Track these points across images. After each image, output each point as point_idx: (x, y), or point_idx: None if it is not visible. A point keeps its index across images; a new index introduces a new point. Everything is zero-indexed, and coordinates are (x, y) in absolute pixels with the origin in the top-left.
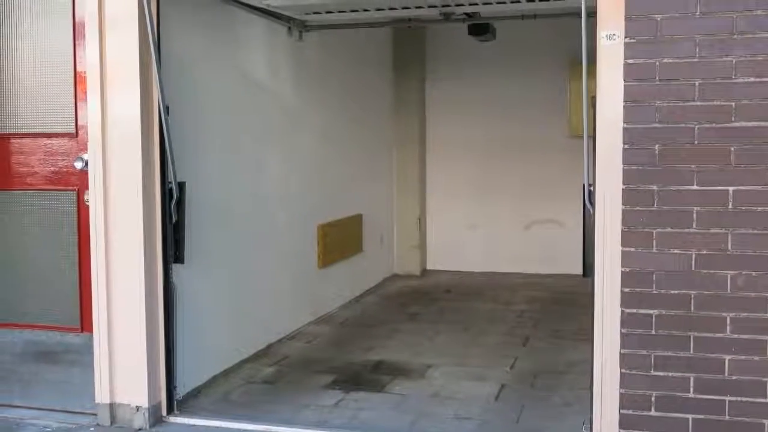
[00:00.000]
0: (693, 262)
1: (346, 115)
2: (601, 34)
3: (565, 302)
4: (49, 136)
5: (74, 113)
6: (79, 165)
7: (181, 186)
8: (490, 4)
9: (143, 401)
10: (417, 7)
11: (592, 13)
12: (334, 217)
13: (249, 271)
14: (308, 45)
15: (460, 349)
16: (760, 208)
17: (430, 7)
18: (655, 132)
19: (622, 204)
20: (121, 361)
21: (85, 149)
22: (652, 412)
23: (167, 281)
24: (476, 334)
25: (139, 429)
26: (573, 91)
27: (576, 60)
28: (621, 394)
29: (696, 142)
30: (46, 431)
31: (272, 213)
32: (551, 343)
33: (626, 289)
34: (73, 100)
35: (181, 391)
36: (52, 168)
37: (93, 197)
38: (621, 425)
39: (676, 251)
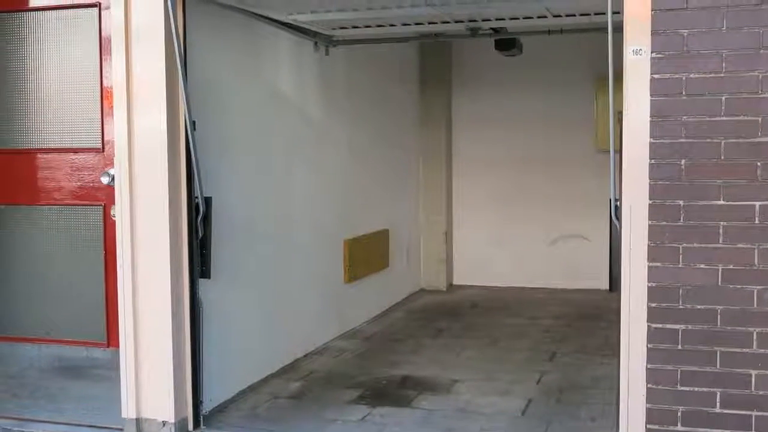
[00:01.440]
0: (719, 277)
1: (373, 130)
2: (628, 49)
3: (592, 317)
4: (75, 151)
5: (101, 128)
6: (105, 180)
7: (208, 201)
8: (517, 19)
9: (169, 416)
10: (444, 22)
11: (618, 28)
12: (361, 232)
13: (275, 286)
14: (335, 60)
15: (486, 364)
16: None
17: (456, 22)
18: (681, 147)
19: (649, 219)
20: (148, 376)
21: (111, 164)
22: (679, 427)
23: (194, 296)
24: (503, 349)
25: None
26: (599, 106)
27: (603, 75)
28: (647, 409)
29: (722, 157)
30: None
31: (299, 228)
32: (578, 358)
33: (652, 304)
34: (100, 116)
35: (207, 406)
36: (78, 183)
37: (119, 212)
38: None
39: (702, 266)
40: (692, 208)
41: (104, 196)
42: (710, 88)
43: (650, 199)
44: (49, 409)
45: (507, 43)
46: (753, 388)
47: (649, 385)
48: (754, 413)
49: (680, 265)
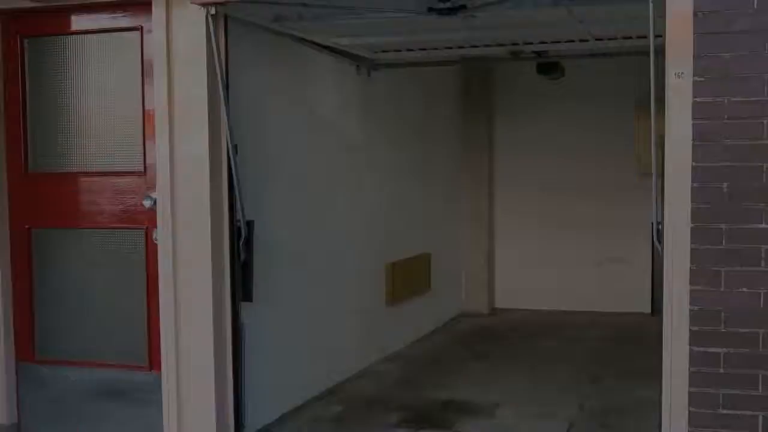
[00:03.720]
0: (762, 300)
1: (415, 153)
2: (670, 72)
3: (634, 340)
4: (117, 174)
5: (143, 151)
6: (147, 203)
7: (250, 224)
8: (559, 42)
9: None
10: (486, 46)
11: (660, 52)
12: (403, 256)
13: (317, 309)
14: (377, 83)
15: (528, 388)
16: None
17: (498, 45)
18: (723, 170)
19: (691, 242)
20: (190, 400)
21: (153, 187)
22: None
23: (235, 319)
24: (545, 372)
25: None
26: (642, 129)
27: (645, 98)
28: None
29: (765, 181)
30: None
31: (340, 251)
32: (620, 382)
33: (695, 328)
34: (142, 139)
35: (249, 429)
36: (120, 206)
37: (162, 235)
38: None
39: (744, 290)
40: (734, 232)
41: (146, 220)
42: (752, 112)
43: (692, 222)
44: None
45: (549, 67)
46: None
47: (691, 409)
48: None
49: (722, 289)
